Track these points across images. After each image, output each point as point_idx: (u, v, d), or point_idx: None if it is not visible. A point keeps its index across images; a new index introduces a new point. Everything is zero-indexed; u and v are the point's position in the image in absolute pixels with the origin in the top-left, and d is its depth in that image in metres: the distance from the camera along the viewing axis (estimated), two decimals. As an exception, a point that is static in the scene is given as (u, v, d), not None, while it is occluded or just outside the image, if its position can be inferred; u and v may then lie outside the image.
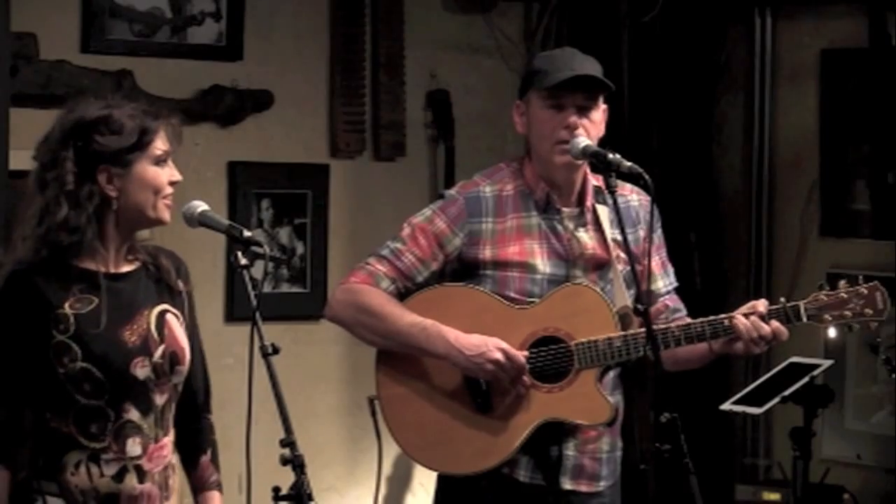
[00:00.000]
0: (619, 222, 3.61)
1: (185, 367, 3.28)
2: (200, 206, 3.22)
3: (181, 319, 3.31)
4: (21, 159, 4.37)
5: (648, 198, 3.72)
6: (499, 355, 3.60)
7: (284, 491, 2.96)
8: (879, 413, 5.85)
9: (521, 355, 3.63)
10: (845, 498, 5.54)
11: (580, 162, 3.68)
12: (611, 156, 3.56)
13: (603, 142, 3.69)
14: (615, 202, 3.60)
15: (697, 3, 6.16)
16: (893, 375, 5.33)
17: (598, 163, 3.60)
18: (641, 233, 3.79)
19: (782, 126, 6.17)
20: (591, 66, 3.72)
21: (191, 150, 5.40)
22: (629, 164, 3.54)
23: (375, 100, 5.84)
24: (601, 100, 3.72)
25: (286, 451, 2.96)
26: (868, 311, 3.69)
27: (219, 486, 3.39)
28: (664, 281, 3.85)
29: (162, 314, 3.26)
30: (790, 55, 6.13)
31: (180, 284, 3.35)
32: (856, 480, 5.72)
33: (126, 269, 3.25)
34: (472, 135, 5.90)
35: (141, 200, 3.19)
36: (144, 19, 5.35)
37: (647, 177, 3.50)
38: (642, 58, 6.14)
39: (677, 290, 3.90)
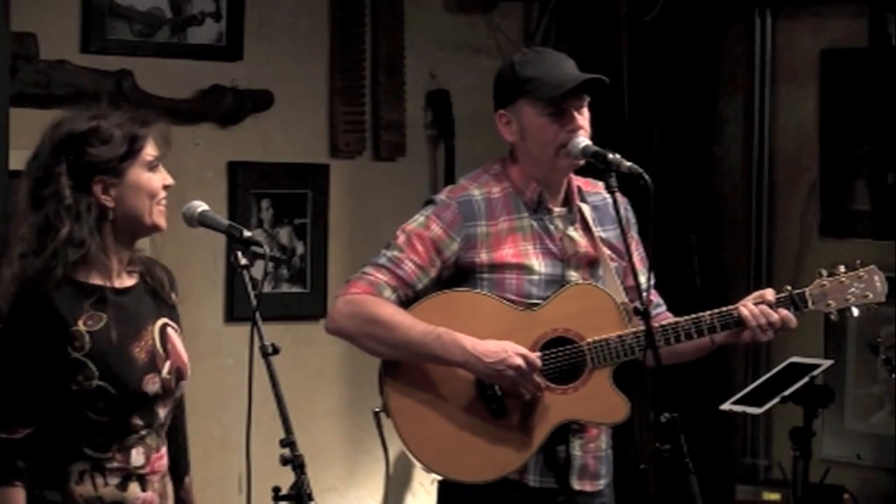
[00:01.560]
0: (619, 221, 3.65)
1: (188, 381, 3.27)
2: (200, 206, 3.21)
3: (178, 333, 3.30)
4: (21, 159, 4.34)
5: (625, 197, 3.74)
6: (520, 361, 3.57)
7: (284, 491, 2.95)
8: (879, 413, 5.85)
9: (538, 360, 3.62)
10: (845, 498, 5.54)
11: (582, 161, 3.68)
12: (611, 156, 3.58)
13: (603, 142, 3.69)
14: (615, 202, 3.63)
15: (697, 2, 6.16)
16: (893, 375, 5.33)
17: (598, 163, 3.60)
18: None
19: (782, 126, 6.17)
20: (575, 66, 3.73)
21: (191, 150, 5.41)
22: (629, 164, 3.55)
23: (375, 100, 5.84)
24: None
25: (286, 451, 2.96)
26: (868, 294, 3.77)
27: None
28: (644, 277, 3.85)
29: (163, 328, 3.25)
30: (790, 55, 6.13)
31: (173, 297, 3.34)
32: (856, 480, 5.72)
33: (128, 283, 3.24)
34: (472, 135, 5.90)
35: (138, 207, 3.17)
36: (144, 19, 5.35)
37: (647, 177, 3.50)
38: (642, 58, 6.14)
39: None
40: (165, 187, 3.21)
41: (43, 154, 3.19)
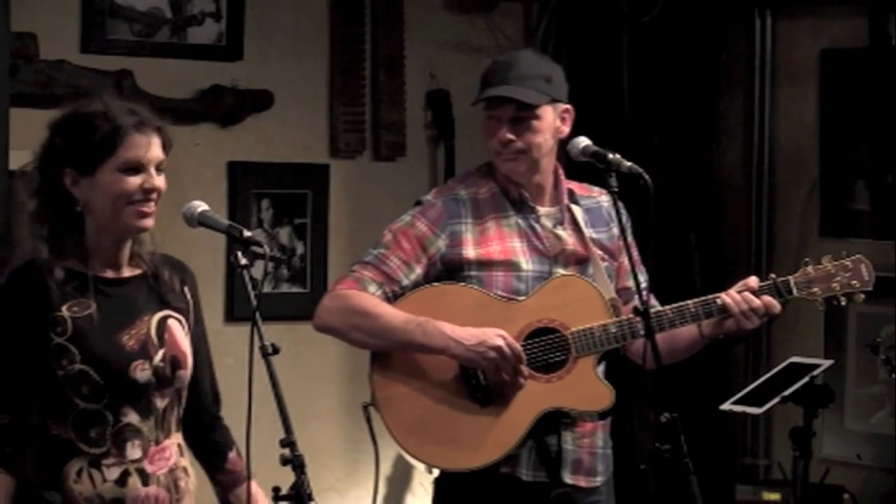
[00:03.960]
0: (619, 221, 3.70)
1: (186, 371, 3.25)
2: (200, 206, 3.20)
3: (185, 326, 3.29)
4: (21, 159, 4.37)
5: (619, 202, 3.75)
6: (500, 342, 3.62)
7: (284, 491, 2.96)
8: (879, 413, 5.85)
9: (517, 344, 3.66)
10: (845, 498, 5.54)
11: (522, 169, 3.72)
12: (611, 156, 3.60)
13: (603, 142, 3.70)
14: (615, 202, 3.67)
15: (697, 3, 6.16)
16: (893, 375, 5.33)
17: (598, 162, 3.62)
18: (615, 231, 3.84)
19: (782, 126, 6.17)
20: (528, 74, 3.72)
21: (191, 150, 5.41)
22: (629, 164, 3.58)
23: (375, 100, 5.84)
24: (542, 108, 3.72)
25: (286, 451, 2.96)
26: (855, 283, 3.78)
27: (246, 477, 3.34)
28: (641, 277, 3.86)
29: (164, 319, 3.24)
30: (790, 55, 6.13)
31: (187, 295, 3.33)
32: (856, 480, 5.72)
33: (128, 273, 3.23)
34: (472, 135, 5.87)
35: (107, 209, 3.14)
36: (144, 19, 5.35)
37: (647, 177, 3.52)
38: (642, 58, 6.14)
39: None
40: (147, 190, 3.14)
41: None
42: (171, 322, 3.26)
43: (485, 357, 3.63)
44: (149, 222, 3.17)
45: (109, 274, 3.20)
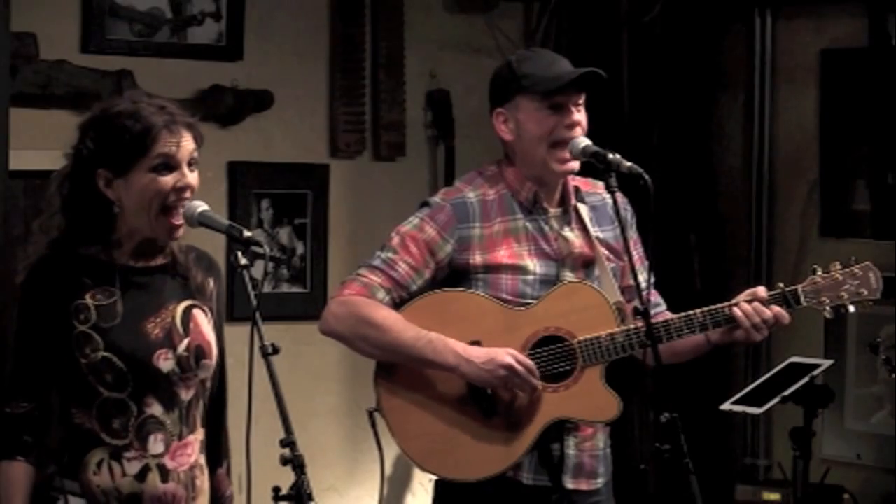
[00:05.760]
0: (619, 221, 3.66)
1: (211, 360, 3.25)
2: (200, 206, 3.20)
3: (209, 316, 3.29)
4: (21, 159, 4.37)
5: (624, 196, 3.73)
6: (510, 360, 3.58)
7: (284, 491, 2.96)
8: (879, 413, 5.85)
9: (530, 360, 3.63)
10: (845, 498, 5.54)
11: (577, 165, 3.68)
12: (611, 156, 3.58)
13: (603, 142, 3.69)
14: (615, 202, 3.64)
15: (697, 3, 6.17)
16: (893, 375, 5.33)
17: (598, 163, 3.60)
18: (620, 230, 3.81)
19: (782, 126, 6.17)
20: (570, 65, 3.73)
21: (191, 150, 5.40)
22: (629, 164, 3.56)
23: (375, 100, 5.84)
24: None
25: (286, 451, 2.96)
26: (863, 291, 3.75)
27: (232, 500, 3.39)
28: (644, 275, 3.85)
29: (189, 309, 3.24)
30: (790, 55, 6.13)
31: (210, 284, 3.33)
32: (856, 480, 5.73)
33: (155, 262, 3.23)
34: (472, 135, 5.90)
35: (139, 211, 3.15)
36: (144, 19, 5.35)
37: (647, 177, 3.50)
38: (642, 58, 6.14)
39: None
40: (180, 189, 3.17)
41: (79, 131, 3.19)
42: (196, 312, 3.26)
43: (495, 376, 3.59)
44: (179, 233, 3.19)
45: (137, 263, 3.21)
